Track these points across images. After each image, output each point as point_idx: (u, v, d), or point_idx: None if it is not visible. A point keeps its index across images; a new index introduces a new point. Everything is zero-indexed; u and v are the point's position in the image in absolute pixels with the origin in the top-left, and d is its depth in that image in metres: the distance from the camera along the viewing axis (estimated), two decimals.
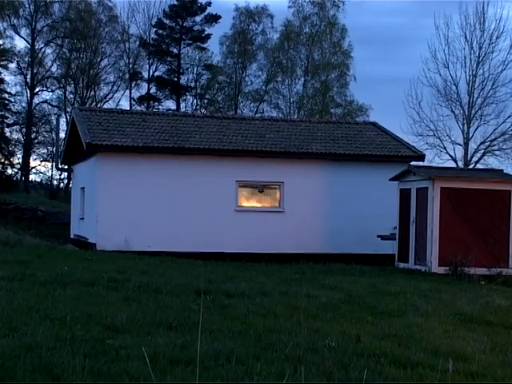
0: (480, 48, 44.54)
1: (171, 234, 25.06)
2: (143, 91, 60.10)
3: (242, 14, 58.42)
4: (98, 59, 58.91)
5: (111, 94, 60.06)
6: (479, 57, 44.53)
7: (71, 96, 59.14)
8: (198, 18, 59.51)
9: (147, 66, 59.86)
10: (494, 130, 44.62)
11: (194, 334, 9.01)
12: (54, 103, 59.21)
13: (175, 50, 59.68)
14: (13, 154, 57.35)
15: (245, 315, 11.20)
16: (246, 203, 26.88)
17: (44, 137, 59.12)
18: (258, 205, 27.23)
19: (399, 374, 8.02)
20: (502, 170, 26.92)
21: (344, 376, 7.68)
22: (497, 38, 44.24)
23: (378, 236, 24.20)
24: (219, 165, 26.04)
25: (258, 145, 26.81)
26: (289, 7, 57.65)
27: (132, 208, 24.92)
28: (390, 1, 75.54)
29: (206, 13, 59.17)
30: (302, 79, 58.02)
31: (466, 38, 44.52)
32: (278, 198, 26.96)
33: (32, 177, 61.12)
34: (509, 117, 44.27)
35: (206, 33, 59.37)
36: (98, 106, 55.41)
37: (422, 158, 28.26)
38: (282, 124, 30.04)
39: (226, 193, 25.91)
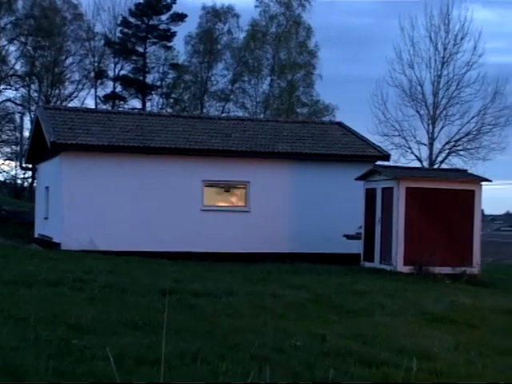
0: (445, 49, 44.93)
1: (137, 234, 24.91)
2: (108, 90, 59.79)
3: (208, 14, 58.35)
4: (63, 57, 58.41)
5: (76, 93, 59.63)
6: (444, 58, 44.91)
7: (35, 94, 58.60)
8: (163, 17, 59.32)
9: (113, 65, 59.56)
10: (459, 130, 45.07)
11: (159, 333, 8.95)
12: (18, 101, 58.59)
13: (141, 49, 59.41)
14: None
15: (211, 315, 11.18)
16: (212, 203, 26.81)
17: (8, 135, 58.50)
18: (224, 204, 27.18)
19: (364, 373, 8.05)
20: (466, 170, 27.21)
21: (310, 375, 7.68)
22: (461, 39, 44.65)
23: (344, 235, 24.29)
24: (185, 164, 25.94)
25: (224, 144, 26.76)
26: (255, 7, 57.76)
27: (97, 207, 24.73)
28: (358, 1, 75.89)
29: (171, 11, 58.98)
30: (269, 79, 58.12)
31: (430, 38, 44.88)
32: (244, 197, 26.93)
33: None
34: (473, 117, 44.76)
35: (171, 32, 59.17)
36: (63, 104, 54.94)
37: (387, 157, 28.41)
38: (248, 123, 30.01)
39: (192, 192, 25.83)
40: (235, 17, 58.46)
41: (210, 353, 8.39)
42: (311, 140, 28.38)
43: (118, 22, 59.02)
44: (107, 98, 59.12)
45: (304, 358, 8.44)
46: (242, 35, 58.26)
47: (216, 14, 58.31)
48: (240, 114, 55.38)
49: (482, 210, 28.24)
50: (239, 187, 27.13)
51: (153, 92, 60.18)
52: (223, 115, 50.10)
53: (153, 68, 59.89)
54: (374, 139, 33.29)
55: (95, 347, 8.21)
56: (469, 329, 11.86)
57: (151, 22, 58.88)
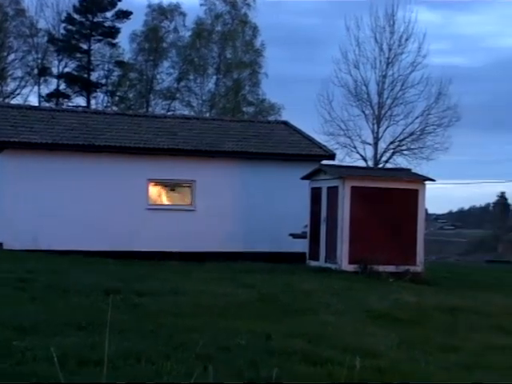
0: (390, 50, 45.40)
1: (81, 233, 24.64)
2: (52, 87, 58.99)
3: (154, 11, 57.99)
4: (5, 54, 57.46)
5: (19, 90, 58.60)
6: (389, 58, 45.38)
7: None
8: (108, 14, 58.75)
9: (56, 62, 58.76)
10: (403, 130, 45.60)
11: (103, 334, 8.85)
12: None
13: (85, 46, 58.73)
14: None
15: (156, 314, 11.11)
16: (157, 201, 26.69)
17: None
18: (170, 203, 27.06)
19: (309, 372, 8.07)
20: (410, 170, 27.53)
21: (254, 374, 7.67)
22: (406, 40, 45.17)
23: (290, 234, 24.36)
24: (130, 163, 25.76)
25: (169, 143, 26.65)
26: (201, 5, 57.56)
27: (41, 206, 24.40)
28: (305, 1, 76.20)
29: (116, 9, 58.46)
30: (214, 77, 58.00)
31: (376, 39, 45.30)
32: (189, 196, 26.84)
33: None
34: (417, 117, 45.34)
35: (116, 29, 58.66)
36: (5, 101, 54.07)
37: (332, 157, 28.60)
38: (194, 122, 29.95)
39: (137, 191, 25.65)
40: (181, 15, 58.20)
41: (155, 352, 8.32)
42: (257, 139, 28.42)
43: (62, 18, 58.27)
44: (51, 95, 58.33)
45: (249, 357, 8.43)
46: (188, 34, 58.07)
47: (162, 12, 57.98)
48: (186, 112, 55.15)
49: (426, 209, 28.62)
50: (185, 186, 27.04)
51: (97, 90, 59.57)
52: (169, 114, 49.86)
53: (97, 65, 59.28)
54: (320, 139, 33.50)
55: (37, 348, 8.08)
56: (412, 326, 11.98)
57: (96, 19, 58.26)
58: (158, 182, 26.65)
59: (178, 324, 10.41)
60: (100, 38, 58.69)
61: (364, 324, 11.85)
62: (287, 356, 8.73)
